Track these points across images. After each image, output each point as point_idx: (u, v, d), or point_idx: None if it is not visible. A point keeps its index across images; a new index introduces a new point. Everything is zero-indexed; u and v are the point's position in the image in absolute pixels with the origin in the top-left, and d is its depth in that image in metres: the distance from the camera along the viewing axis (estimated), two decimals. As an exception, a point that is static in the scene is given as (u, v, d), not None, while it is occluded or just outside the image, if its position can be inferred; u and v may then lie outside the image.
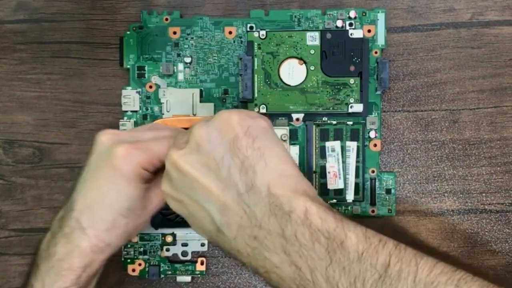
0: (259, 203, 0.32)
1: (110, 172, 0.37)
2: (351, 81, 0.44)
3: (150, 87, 0.46)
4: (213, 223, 0.33)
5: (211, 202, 0.33)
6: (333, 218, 0.31)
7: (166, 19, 0.46)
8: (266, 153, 0.33)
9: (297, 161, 0.45)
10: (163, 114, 0.46)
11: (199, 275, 0.46)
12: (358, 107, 0.44)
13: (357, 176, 0.45)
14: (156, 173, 0.39)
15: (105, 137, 0.38)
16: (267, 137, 0.34)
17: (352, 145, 0.45)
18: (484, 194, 0.45)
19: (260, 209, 0.31)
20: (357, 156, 0.45)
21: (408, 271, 0.29)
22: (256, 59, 0.44)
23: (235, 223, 0.32)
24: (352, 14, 0.45)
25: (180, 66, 0.46)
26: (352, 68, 0.44)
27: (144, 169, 0.37)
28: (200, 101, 0.46)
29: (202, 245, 0.46)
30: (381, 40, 0.45)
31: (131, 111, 0.46)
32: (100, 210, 0.37)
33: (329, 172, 0.45)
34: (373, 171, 0.45)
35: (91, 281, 0.39)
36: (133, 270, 0.46)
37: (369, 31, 0.45)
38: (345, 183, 0.45)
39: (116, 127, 0.46)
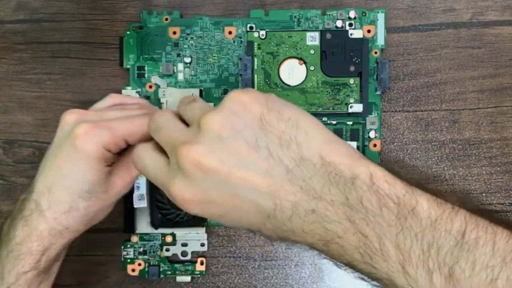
0: (316, 175, 0.29)
1: (71, 152, 0.36)
2: (351, 81, 0.44)
3: (150, 87, 0.46)
4: (260, 212, 0.30)
5: (255, 191, 0.30)
6: (401, 182, 0.29)
7: (166, 19, 0.46)
8: (299, 122, 0.30)
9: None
10: (163, 114, 0.46)
11: (198, 275, 0.46)
12: (358, 107, 0.44)
13: (357, 176, 0.45)
14: (119, 154, 0.37)
15: (69, 116, 0.37)
16: (288, 106, 0.31)
17: (352, 145, 0.45)
18: (484, 194, 0.45)
19: (318, 180, 0.29)
20: (357, 156, 0.45)
21: (486, 238, 0.27)
22: (256, 59, 0.44)
23: (289, 202, 0.29)
24: (352, 14, 0.45)
25: (180, 66, 0.46)
26: (352, 68, 0.44)
27: (106, 149, 0.36)
28: (200, 101, 0.46)
29: (202, 245, 0.46)
30: (380, 40, 0.45)
31: (131, 111, 0.46)
32: (59, 192, 0.36)
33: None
34: (373, 171, 0.45)
35: (52, 266, 0.38)
36: (133, 270, 0.46)
37: (368, 31, 0.45)
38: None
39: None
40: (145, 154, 0.34)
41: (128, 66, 0.46)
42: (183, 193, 0.31)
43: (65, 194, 0.36)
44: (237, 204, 0.30)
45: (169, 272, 0.46)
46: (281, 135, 0.30)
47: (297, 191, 0.29)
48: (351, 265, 0.30)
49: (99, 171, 0.36)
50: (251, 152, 0.30)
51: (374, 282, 0.30)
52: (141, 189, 0.43)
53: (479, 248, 0.27)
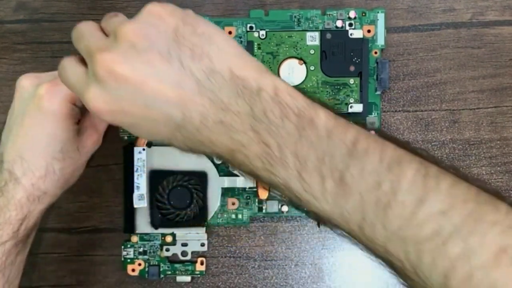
0: (224, 87, 0.30)
1: (36, 114, 0.36)
2: (351, 81, 0.44)
3: (150, 87, 0.46)
4: (170, 123, 0.31)
5: (165, 102, 0.30)
6: (302, 96, 0.30)
7: (166, 19, 0.46)
8: (213, 37, 0.31)
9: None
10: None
11: (198, 275, 0.46)
12: (358, 107, 0.44)
13: (357, 176, 0.45)
14: (84, 113, 0.38)
15: (25, 81, 0.38)
16: (204, 22, 0.32)
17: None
18: (484, 194, 0.45)
19: (226, 93, 0.30)
20: (357, 156, 0.45)
21: (375, 148, 0.29)
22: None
23: (197, 113, 0.30)
24: (352, 14, 0.45)
25: (180, 66, 0.46)
26: (352, 68, 0.44)
27: (71, 103, 0.37)
28: (200, 101, 0.46)
29: (202, 245, 0.46)
30: (380, 40, 0.45)
31: (131, 111, 0.46)
32: (32, 157, 0.36)
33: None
34: (373, 171, 0.45)
35: (30, 234, 0.38)
36: (133, 270, 0.46)
37: (368, 31, 0.45)
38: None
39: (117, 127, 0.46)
40: (68, 64, 0.34)
41: (128, 66, 0.46)
42: (96, 101, 0.31)
43: (39, 158, 0.36)
44: (147, 114, 0.31)
45: (169, 272, 0.46)
46: (193, 48, 0.30)
47: (205, 102, 0.30)
48: (253, 174, 0.31)
49: (69, 129, 0.37)
50: (164, 63, 0.30)
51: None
52: (141, 189, 0.43)
53: (368, 156, 0.29)
